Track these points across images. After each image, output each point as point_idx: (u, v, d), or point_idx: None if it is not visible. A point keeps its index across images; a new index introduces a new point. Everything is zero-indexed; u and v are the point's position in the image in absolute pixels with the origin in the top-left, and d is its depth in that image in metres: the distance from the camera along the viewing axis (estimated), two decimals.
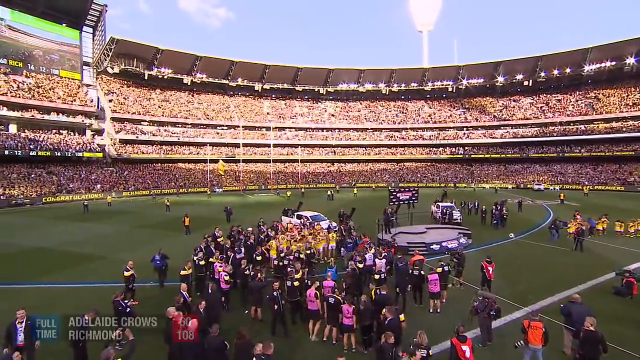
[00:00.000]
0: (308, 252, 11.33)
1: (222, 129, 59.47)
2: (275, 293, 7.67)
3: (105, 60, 52.79)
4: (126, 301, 7.59)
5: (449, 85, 67.99)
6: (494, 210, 21.49)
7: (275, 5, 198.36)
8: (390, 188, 20.73)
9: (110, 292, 9.15)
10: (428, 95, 71.80)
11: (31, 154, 40.75)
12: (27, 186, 37.19)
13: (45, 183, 38.82)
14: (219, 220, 21.02)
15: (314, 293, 7.76)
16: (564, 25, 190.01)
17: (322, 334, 7.69)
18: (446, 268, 9.38)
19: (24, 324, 6.07)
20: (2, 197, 33.76)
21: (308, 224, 16.69)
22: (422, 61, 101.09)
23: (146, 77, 57.27)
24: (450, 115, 65.27)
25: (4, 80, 43.90)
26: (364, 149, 65.53)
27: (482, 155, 59.93)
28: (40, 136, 43.69)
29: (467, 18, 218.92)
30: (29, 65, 47.84)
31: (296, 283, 8.30)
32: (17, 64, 46.87)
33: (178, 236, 18.30)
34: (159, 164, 52.15)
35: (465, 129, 62.69)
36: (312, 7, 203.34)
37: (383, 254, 10.46)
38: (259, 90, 68.31)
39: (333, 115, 68.62)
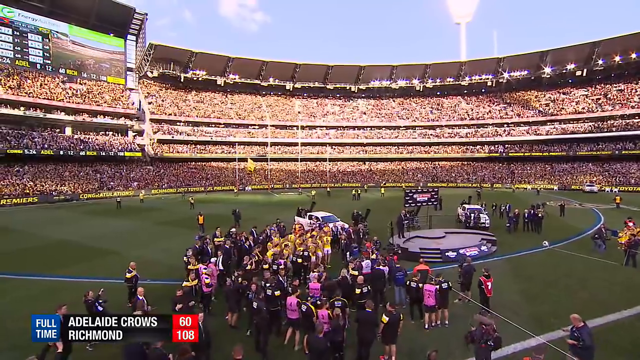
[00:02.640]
0: (300, 257, 10.75)
1: (254, 128, 60.67)
2: (249, 295, 7.19)
3: (146, 65, 56.11)
4: (100, 300, 7.56)
5: (488, 79, 63.53)
6: (526, 214, 19.43)
7: (308, 5, 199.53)
8: (405, 189, 19.51)
9: (113, 288, 9.35)
10: (465, 91, 67.68)
11: (81, 153, 44.51)
12: (75, 183, 40.57)
13: (91, 180, 42.11)
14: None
15: (296, 302, 7.26)
16: (622, 7, 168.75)
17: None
18: (445, 285, 8.26)
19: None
20: (54, 192, 37.09)
21: (315, 225, 16.12)
22: (459, 55, 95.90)
23: (182, 80, 60.02)
24: (489, 111, 61.02)
25: (62, 88, 48.25)
26: (396, 147, 63.45)
27: (524, 154, 55.20)
28: (89, 138, 47.50)
29: (508, 7, 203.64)
30: (82, 73, 52.22)
31: (277, 292, 7.78)
32: (73, 72, 51.40)
33: (191, 234, 18.61)
34: (193, 163, 54.43)
35: (505, 125, 58.26)
36: (343, 3, 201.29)
37: (366, 262, 9.66)
38: (290, 90, 68.74)
39: (365, 113, 67.27)
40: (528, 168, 53.97)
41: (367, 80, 69.11)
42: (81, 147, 45.10)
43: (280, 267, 9.50)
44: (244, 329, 7.79)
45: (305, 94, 70.90)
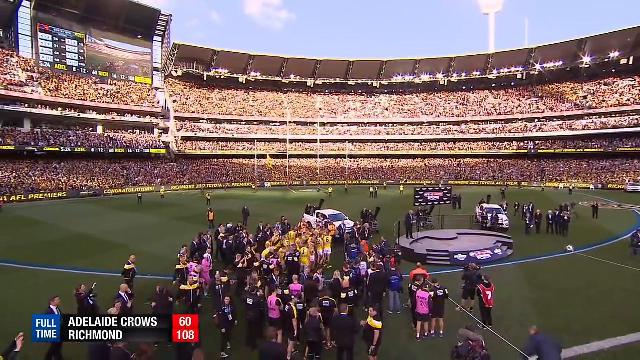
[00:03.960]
0: (295, 256, 10.49)
1: (275, 125, 61.09)
2: (225, 309, 6.93)
3: (171, 64, 57.95)
4: (91, 295, 7.68)
5: (517, 72, 59.73)
6: (550, 215, 18.05)
7: (331, 1, 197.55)
8: (416, 187, 18.71)
9: (115, 281, 9.40)
10: (493, 85, 64.32)
11: (110, 151, 46.79)
12: (104, 179, 42.73)
13: (118, 176, 44.17)
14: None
15: (275, 300, 7.06)
16: None
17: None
18: (441, 292, 7.66)
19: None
20: (84, 187, 39.28)
21: (322, 223, 15.82)
22: (487, 47, 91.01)
23: (205, 78, 61.40)
24: (519, 106, 57.65)
25: (94, 89, 50.88)
26: (419, 144, 61.64)
27: (554, 151, 51.68)
28: (118, 135, 49.82)
29: None
30: (112, 74, 54.83)
31: (259, 293, 7.62)
32: (104, 74, 54.10)
33: (201, 230, 18.88)
34: (215, 160, 55.72)
35: (536, 120, 54.78)
36: None
37: (362, 264, 9.21)
38: (312, 86, 68.50)
39: (387, 109, 65.85)
40: (561, 165, 50.55)
41: (389, 76, 67.52)
42: (110, 144, 47.42)
43: (270, 266, 9.28)
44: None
45: (326, 90, 70.43)
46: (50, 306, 6.75)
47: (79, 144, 44.84)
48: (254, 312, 7.26)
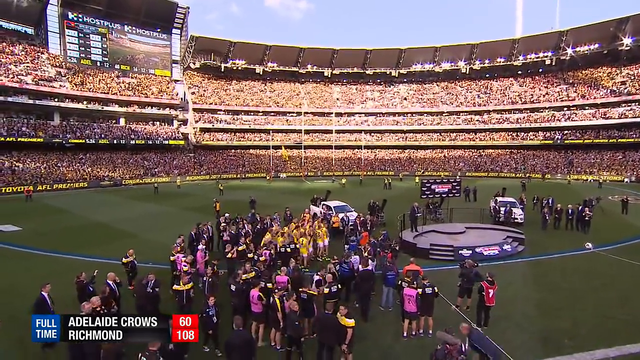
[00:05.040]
0: (288, 248, 10.35)
1: (292, 116, 60.95)
2: (210, 311, 6.51)
3: (189, 56, 58.73)
4: (93, 282, 7.84)
5: (546, 57, 55.97)
6: (570, 210, 16.94)
7: None
8: (423, 179, 18.05)
9: (118, 271, 9.64)
10: (519, 72, 60.79)
11: (131, 142, 48.35)
12: (124, 169, 44.32)
13: (138, 167, 45.68)
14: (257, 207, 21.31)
15: (257, 295, 6.97)
16: None
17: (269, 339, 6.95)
18: (429, 290, 7.25)
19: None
20: (105, 177, 40.92)
21: (322, 215, 15.61)
22: (513, 32, 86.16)
23: (222, 70, 61.85)
24: (546, 94, 54.35)
25: (116, 82, 52.52)
26: (438, 134, 59.81)
27: (583, 141, 48.31)
28: (139, 127, 51.36)
29: None
30: (133, 67, 56.31)
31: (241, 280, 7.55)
32: (126, 67, 55.66)
33: (208, 220, 19.18)
34: (232, 150, 56.46)
35: (566, 108, 51.43)
36: None
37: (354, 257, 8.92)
38: (329, 76, 67.67)
39: (405, 99, 64.11)
40: (592, 157, 47.48)
41: (408, 64, 65.48)
42: (132, 136, 48.95)
43: (260, 257, 9.19)
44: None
45: (344, 80, 69.39)
46: (42, 292, 6.96)
47: (103, 135, 46.59)
48: (238, 300, 7.22)
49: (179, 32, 60.33)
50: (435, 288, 7.32)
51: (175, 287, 7.64)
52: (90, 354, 5.16)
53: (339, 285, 7.43)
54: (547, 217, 17.09)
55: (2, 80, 40.21)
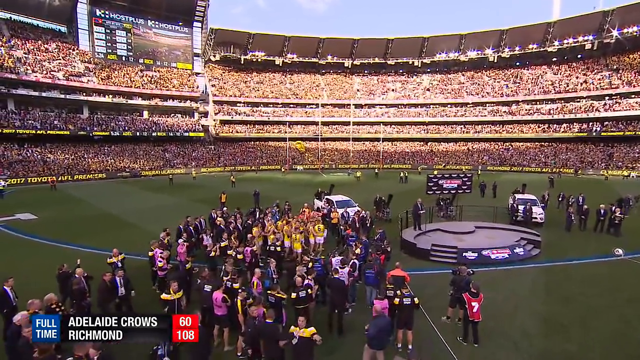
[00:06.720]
0: (277, 247, 9.88)
1: (311, 108, 60.35)
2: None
3: (209, 49, 59.29)
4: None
5: (586, 41, 51.33)
6: (602, 211, 15.25)
7: None
8: (429, 174, 16.93)
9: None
10: (554, 59, 56.15)
11: (153, 134, 49.77)
12: (146, 161, 45.71)
13: (158, 159, 46.96)
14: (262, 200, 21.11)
15: (222, 297, 6.55)
16: None
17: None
18: (407, 301, 6.44)
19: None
20: (127, 169, 42.37)
21: (320, 211, 15.03)
22: (549, 14, 79.56)
23: (242, 62, 62.02)
24: (585, 82, 50.04)
25: (140, 76, 54.05)
26: (462, 126, 57.11)
27: (624, 133, 44.00)
28: (161, 120, 52.73)
29: None
30: (156, 61, 57.65)
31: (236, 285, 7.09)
32: (149, 61, 57.10)
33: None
34: (251, 142, 56.80)
35: (607, 97, 47.08)
36: None
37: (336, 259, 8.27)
38: (349, 67, 66.25)
39: (428, 90, 61.58)
40: (636, 151, 43.35)
41: (431, 53, 62.66)
42: (154, 128, 50.36)
43: (239, 255, 8.79)
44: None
45: (365, 71, 67.68)
46: (4, 287, 6.91)
47: (127, 128, 48.21)
48: (209, 303, 6.80)
49: (200, 26, 60.95)
50: (415, 299, 6.53)
51: (163, 296, 6.80)
52: None
53: (309, 291, 6.76)
54: (572, 217, 15.55)
55: (37, 76, 42.36)
